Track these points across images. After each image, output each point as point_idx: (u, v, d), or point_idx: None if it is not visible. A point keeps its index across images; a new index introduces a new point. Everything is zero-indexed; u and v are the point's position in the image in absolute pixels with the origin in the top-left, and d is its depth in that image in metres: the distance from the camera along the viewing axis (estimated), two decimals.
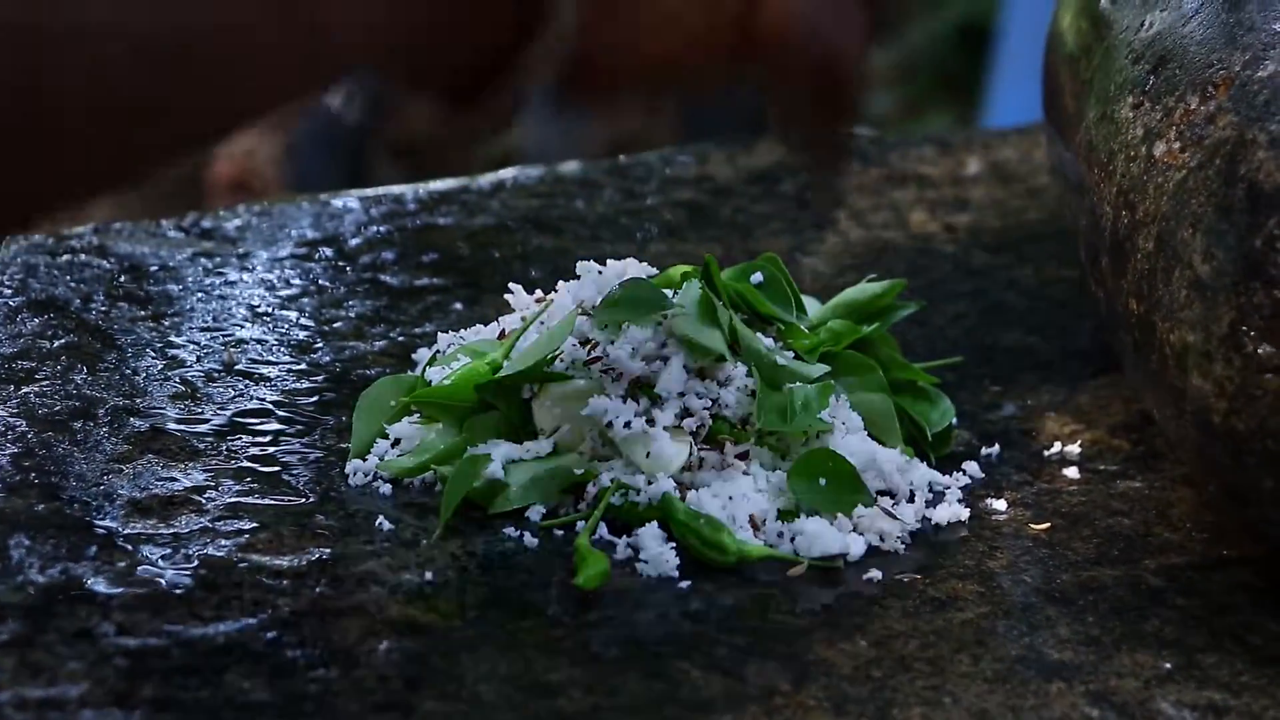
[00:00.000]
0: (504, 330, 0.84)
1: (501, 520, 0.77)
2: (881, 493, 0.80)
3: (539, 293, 0.86)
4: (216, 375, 0.87)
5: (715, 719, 0.67)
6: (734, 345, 0.81)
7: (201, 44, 0.58)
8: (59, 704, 0.66)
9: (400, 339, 0.91)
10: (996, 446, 0.85)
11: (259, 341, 0.90)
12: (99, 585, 0.72)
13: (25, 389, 0.83)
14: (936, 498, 0.81)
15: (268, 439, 0.82)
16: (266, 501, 0.78)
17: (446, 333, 0.87)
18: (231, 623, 0.71)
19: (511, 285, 0.86)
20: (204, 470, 0.79)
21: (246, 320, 0.92)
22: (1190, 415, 0.74)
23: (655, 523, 0.77)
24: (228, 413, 0.84)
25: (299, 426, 0.83)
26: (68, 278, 0.93)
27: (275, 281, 0.95)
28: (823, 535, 0.77)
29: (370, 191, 1.05)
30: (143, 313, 0.91)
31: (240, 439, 0.82)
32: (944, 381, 0.86)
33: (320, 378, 0.87)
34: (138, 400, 0.84)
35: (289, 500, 0.78)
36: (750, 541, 0.76)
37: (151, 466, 0.79)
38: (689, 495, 0.77)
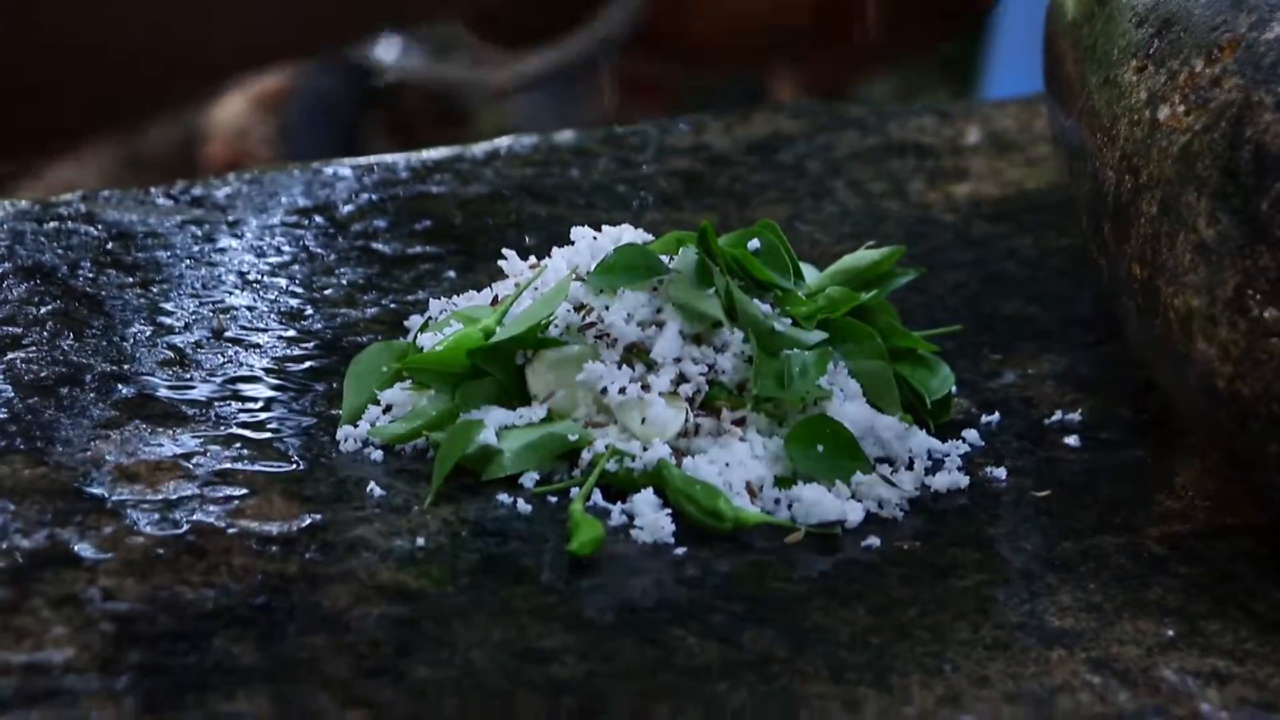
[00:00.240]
0: (497, 296, 0.83)
1: (494, 487, 0.76)
2: (880, 460, 0.79)
3: (533, 259, 0.85)
4: (206, 342, 0.85)
5: (711, 686, 0.66)
6: (731, 311, 0.80)
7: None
8: (44, 669, 0.65)
9: (392, 306, 0.90)
10: (996, 414, 0.84)
11: (249, 308, 0.89)
12: (85, 550, 0.71)
13: (11, 355, 0.82)
14: (936, 465, 0.80)
15: (258, 405, 0.81)
16: (256, 468, 0.77)
17: (439, 299, 0.86)
18: (220, 588, 0.70)
19: (505, 251, 0.85)
20: (193, 436, 0.78)
21: (236, 287, 0.91)
22: (1194, 380, 0.72)
23: (650, 489, 0.75)
24: (217, 379, 0.83)
25: (289, 393, 0.82)
26: (55, 244, 0.92)
27: (266, 249, 0.94)
28: (820, 502, 0.76)
29: (363, 160, 1.04)
30: (130, 279, 0.90)
31: (230, 405, 0.81)
32: (943, 350, 0.85)
33: (311, 345, 0.86)
34: (126, 366, 0.83)
35: (279, 467, 0.77)
36: (747, 508, 0.75)
37: (140, 432, 0.78)
38: (685, 462, 0.76)
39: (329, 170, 1.02)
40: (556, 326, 0.79)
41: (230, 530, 0.73)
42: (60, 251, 0.91)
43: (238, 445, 0.78)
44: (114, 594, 0.69)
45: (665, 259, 0.81)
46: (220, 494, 0.75)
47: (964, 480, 0.79)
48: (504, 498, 0.76)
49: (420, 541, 0.73)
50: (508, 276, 0.85)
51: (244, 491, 0.75)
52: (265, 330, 0.87)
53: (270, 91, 3.36)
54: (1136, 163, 0.76)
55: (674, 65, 0.67)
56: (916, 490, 0.78)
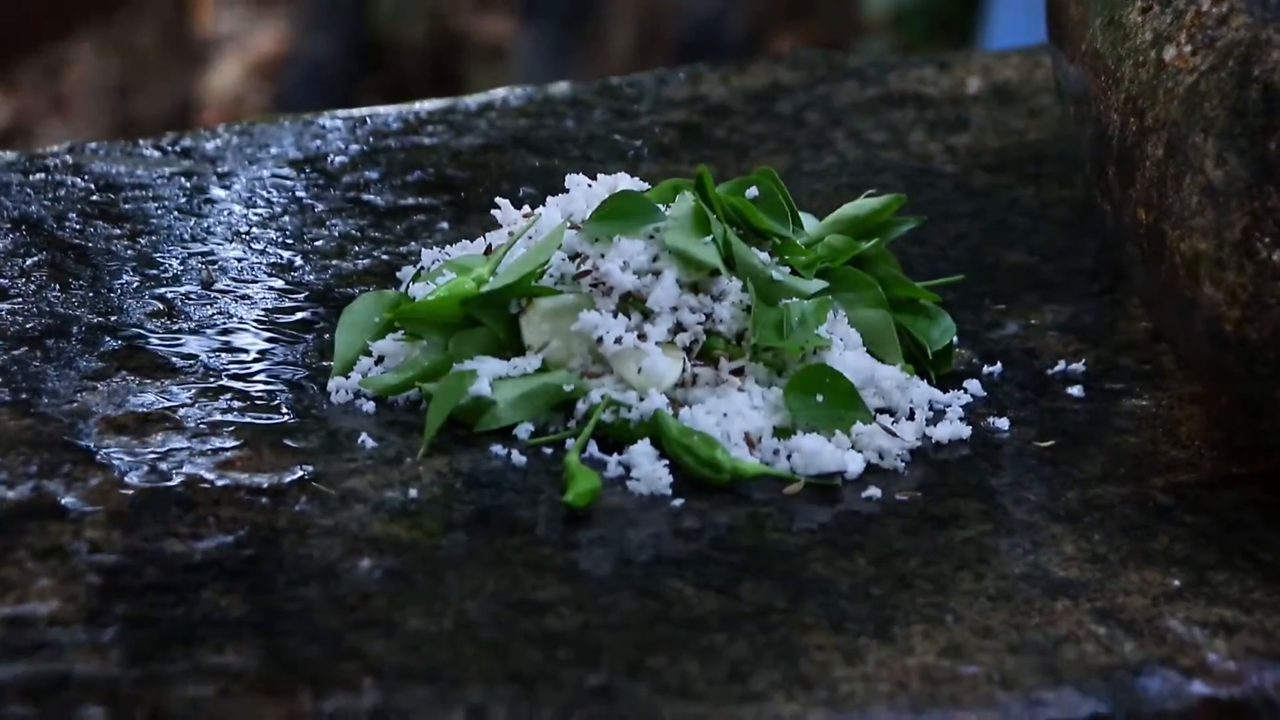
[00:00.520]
0: (491, 245, 0.82)
1: (488, 438, 0.75)
2: (880, 410, 0.78)
3: (527, 208, 0.84)
4: (195, 294, 0.84)
5: (709, 637, 0.65)
6: (729, 260, 0.78)
7: None
8: (29, 621, 0.64)
9: (384, 258, 0.88)
10: (999, 365, 0.82)
11: (239, 260, 0.87)
12: (71, 502, 0.69)
13: None
14: (937, 416, 0.78)
15: (248, 357, 0.80)
16: (246, 420, 0.75)
17: (431, 250, 0.85)
18: (209, 540, 0.68)
19: (499, 200, 0.84)
20: (182, 388, 0.77)
21: (226, 239, 0.89)
22: (1201, 326, 0.71)
23: (647, 440, 0.74)
24: (207, 331, 0.81)
25: (280, 345, 0.81)
26: (41, 196, 0.91)
27: (256, 200, 0.93)
28: (820, 453, 0.74)
29: (355, 111, 1.02)
30: (118, 231, 0.88)
31: (220, 357, 0.79)
32: (945, 301, 0.83)
33: (302, 296, 0.85)
34: (113, 318, 0.81)
35: (269, 418, 0.76)
36: (745, 459, 0.74)
37: (128, 384, 0.77)
38: (682, 412, 0.75)
39: (320, 122, 1.00)
40: (551, 275, 0.78)
41: (220, 482, 0.71)
42: (47, 203, 0.90)
43: (227, 397, 0.77)
44: (100, 546, 0.67)
45: (662, 207, 0.79)
46: (209, 446, 0.73)
47: (966, 431, 0.78)
48: (498, 449, 0.74)
49: (413, 493, 0.72)
50: (501, 226, 0.83)
51: (234, 443, 0.74)
52: (255, 282, 0.86)
53: (266, 58, 3.34)
54: (1142, 105, 0.75)
55: None
56: (918, 441, 0.77)
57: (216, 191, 0.93)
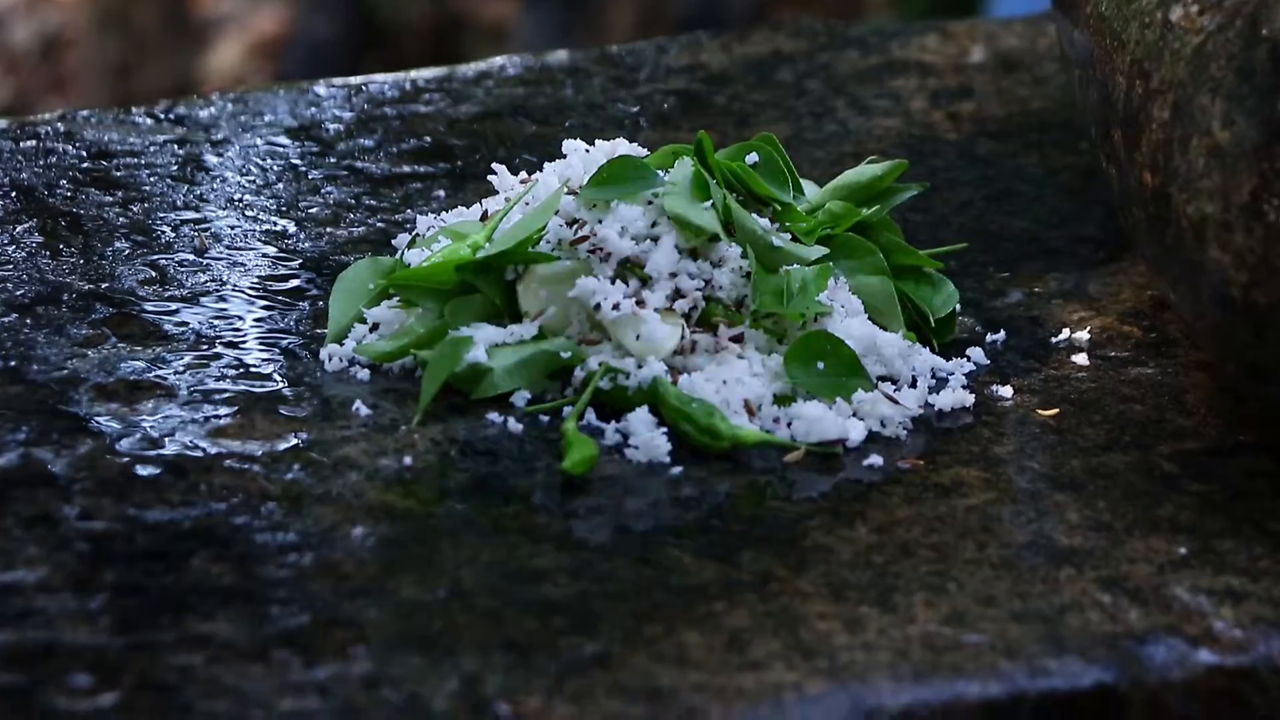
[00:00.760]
0: (487, 211, 0.81)
1: (484, 406, 0.74)
2: (882, 378, 0.77)
3: (523, 174, 0.83)
4: (188, 261, 0.83)
5: (709, 605, 0.64)
6: (728, 225, 0.77)
7: None
8: (16, 589, 0.63)
9: (380, 226, 0.87)
10: (1002, 333, 0.81)
11: (232, 227, 0.86)
12: (60, 469, 0.68)
13: None
14: (940, 384, 0.77)
15: (241, 324, 0.79)
16: (239, 387, 0.74)
17: (427, 217, 0.84)
18: (200, 507, 0.67)
19: (495, 166, 0.83)
20: (174, 355, 0.76)
21: (220, 207, 0.88)
22: (1208, 290, 0.70)
23: (645, 407, 0.73)
24: (200, 298, 0.80)
25: (273, 312, 0.80)
26: (33, 163, 0.90)
27: (250, 168, 0.92)
28: (821, 420, 0.73)
29: (352, 80, 1.01)
30: (110, 198, 0.87)
31: (213, 325, 0.78)
32: (948, 269, 0.82)
33: (295, 263, 0.84)
34: (105, 285, 0.80)
35: (262, 386, 0.74)
36: (745, 427, 0.73)
37: (119, 351, 0.76)
38: (681, 379, 0.74)
39: (316, 90, 0.99)
40: (548, 241, 0.77)
41: (212, 450, 0.70)
42: (39, 170, 0.89)
43: (220, 364, 0.76)
44: (90, 513, 0.66)
45: (661, 173, 0.78)
46: (201, 414, 0.72)
47: (969, 399, 0.76)
48: (494, 417, 0.73)
49: (408, 461, 0.71)
50: (498, 192, 0.82)
51: (226, 411, 0.73)
52: (249, 249, 0.84)
53: (266, 38, 3.33)
54: (1147, 67, 0.74)
55: None
56: (920, 408, 0.76)
57: (210, 159, 0.92)
